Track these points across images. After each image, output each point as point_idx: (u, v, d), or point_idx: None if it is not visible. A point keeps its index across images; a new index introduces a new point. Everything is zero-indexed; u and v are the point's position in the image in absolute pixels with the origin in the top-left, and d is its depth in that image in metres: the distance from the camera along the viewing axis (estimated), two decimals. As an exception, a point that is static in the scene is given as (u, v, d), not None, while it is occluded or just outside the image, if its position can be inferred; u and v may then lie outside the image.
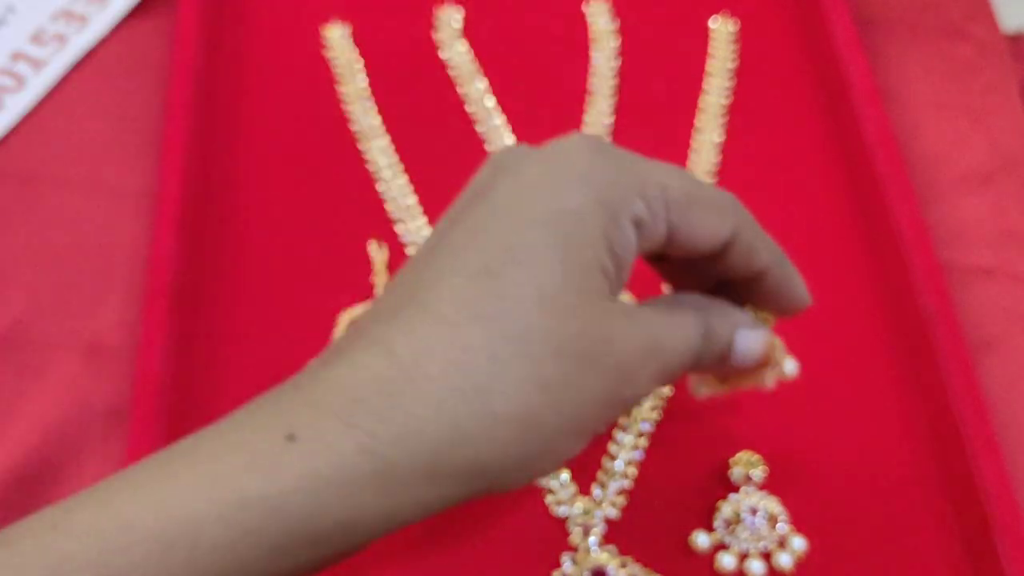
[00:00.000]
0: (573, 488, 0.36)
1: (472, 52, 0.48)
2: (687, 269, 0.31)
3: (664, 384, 0.29)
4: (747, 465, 0.35)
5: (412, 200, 0.43)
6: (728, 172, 0.44)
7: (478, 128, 0.46)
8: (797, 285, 0.31)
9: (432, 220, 0.43)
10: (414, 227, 0.43)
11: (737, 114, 0.46)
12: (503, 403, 0.24)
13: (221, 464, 0.23)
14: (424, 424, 0.24)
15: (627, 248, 0.27)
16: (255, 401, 0.26)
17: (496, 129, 0.46)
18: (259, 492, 0.23)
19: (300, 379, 0.25)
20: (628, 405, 0.28)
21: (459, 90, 0.47)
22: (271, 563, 0.23)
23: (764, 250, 0.30)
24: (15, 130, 0.45)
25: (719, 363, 0.30)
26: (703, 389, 0.33)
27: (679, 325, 0.28)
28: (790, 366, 0.32)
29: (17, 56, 0.47)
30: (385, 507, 0.24)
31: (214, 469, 0.23)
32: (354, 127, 0.46)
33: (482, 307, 0.24)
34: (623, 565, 0.34)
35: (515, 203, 0.26)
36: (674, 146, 0.45)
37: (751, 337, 0.30)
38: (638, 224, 0.27)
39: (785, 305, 0.31)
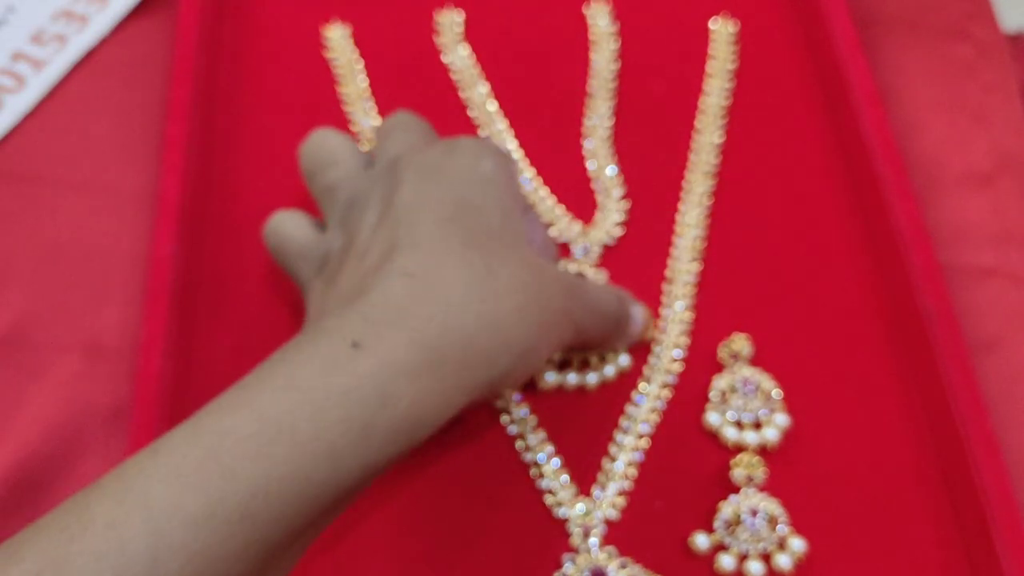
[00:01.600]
0: (573, 489, 0.36)
1: (474, 56, 0.48)
2: None
3: (601, 322, 0.36)
4: (748, 466, 0.35)
5: (412, 200, 0.43)
6: (728, 173, 0.44)
7: (480, 133, 0.46)
8: None
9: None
10: (414, 227, 0.43)
11: (737, 115, 0.46)
12: (507, 299, 0.31)
13: (303, 372, 0.28)
14: (455, 316, 0.30)
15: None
16: (301, 336, 0.30)
17: (499, 134, 0.45)
18: (341, 388, 0.27)
19: (338, 309, 0.30)
20: (578, 329, 0.35)
21: (461, 95, 0.47)
22: (358, 452, 0.27)
23: None
24: (15, 130, 0.45)
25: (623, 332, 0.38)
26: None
27: (598, 287, 0.37)
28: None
29: (17, 56, 0.47)
30: (438, 391, 0.29)
31: (298, 376, 0.27)
32: (354, 128, 0.46)
33: (459, 240, 0.32)
34: (623, 566, 0.34)
35: (445, 170, 0.34)
36: (674, 147, 0.45)
37: (641, 310, 0.39)
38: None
39: None
